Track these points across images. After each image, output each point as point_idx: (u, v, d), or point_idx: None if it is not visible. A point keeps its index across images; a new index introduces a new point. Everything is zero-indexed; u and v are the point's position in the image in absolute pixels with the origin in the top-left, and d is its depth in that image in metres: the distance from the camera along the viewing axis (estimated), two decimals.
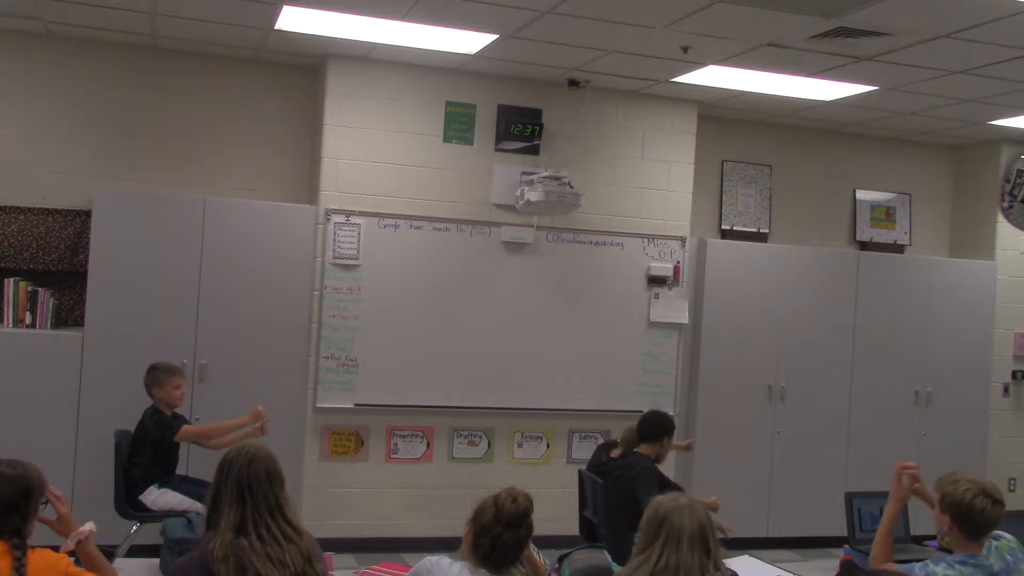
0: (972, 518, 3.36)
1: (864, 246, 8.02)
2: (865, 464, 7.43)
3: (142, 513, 5.22)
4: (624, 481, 5.03)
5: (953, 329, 7.75)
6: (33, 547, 2.94)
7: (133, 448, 5.31)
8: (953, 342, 7.75)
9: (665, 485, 5.15)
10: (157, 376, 5.36)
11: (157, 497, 5.24)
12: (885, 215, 8.18)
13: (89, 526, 3.15)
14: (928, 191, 8.32)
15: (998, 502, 3.39)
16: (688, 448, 6.09)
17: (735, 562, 3.96)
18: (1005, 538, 3.51)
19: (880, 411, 7.55)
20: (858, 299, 7.53)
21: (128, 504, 5.23)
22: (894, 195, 8.22)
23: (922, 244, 8.23)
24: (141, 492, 5.23)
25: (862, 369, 7.52)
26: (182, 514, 4.78)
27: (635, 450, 5.26)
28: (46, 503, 3.07)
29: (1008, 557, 3.44)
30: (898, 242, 8.14)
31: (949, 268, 7.87)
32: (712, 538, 2.90)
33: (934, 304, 7.72)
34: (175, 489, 5.30)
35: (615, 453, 5.52)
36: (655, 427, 5.25)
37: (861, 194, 8.12)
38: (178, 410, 5.46)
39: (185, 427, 5.31)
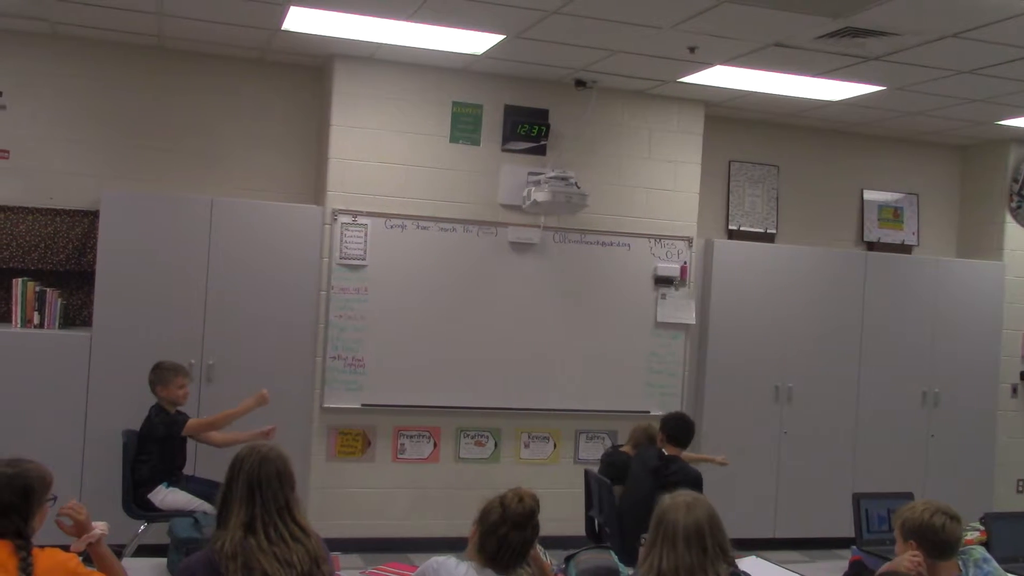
0: (935, 535, 3.44)
1: (871, 246, 8.00)
2: (872, 465, 7.42)
3: (150, 512, 5.22)
4: (677, 488, 5.05)
5: (961, 330, 7.73)
6: (42, 546, 2.94)
7: (140, 446, 5.32)
8: (961, 343, 7.73)
9: None
10: (162, 375, 5.38)
11: (165, 496, 5.24)
12: (893, 215, 8.16)
13: (101, 527, 3.15)
14: (936, 191, 8.30)
15: (954, 518, 3.49)
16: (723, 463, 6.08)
17: (742, 563, 3.95)
18: (970, 551, 3.64)
19: (887, 412, 7.53)
20: (865, 300, 7.51)
21: (136, 503, 5.24)
22: (902, 195, 8.20)
23: (930, 244, 8.22)
24: (150, 491, 5.24)
25: (869, 370, 7.50)
26: (190, 514, 4.79)
27: (677, 456, 5.26)
28: (54, 500, 3.07)
29: (980, 559, 3.58)
30: (906, 242, 8.13)
31: (957, 268, 7.85)
32: (713, 536, 2.90)
33: (942, 305, 7.71)
34: (183, 488, 5.31)
35: (625, 449, 5.55)
36: (690, 435, 5.32)
37: (868, 194, 8.11)
38: (183, 409, 5.48)
39: (191, 420, 5.33)
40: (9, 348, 5.81)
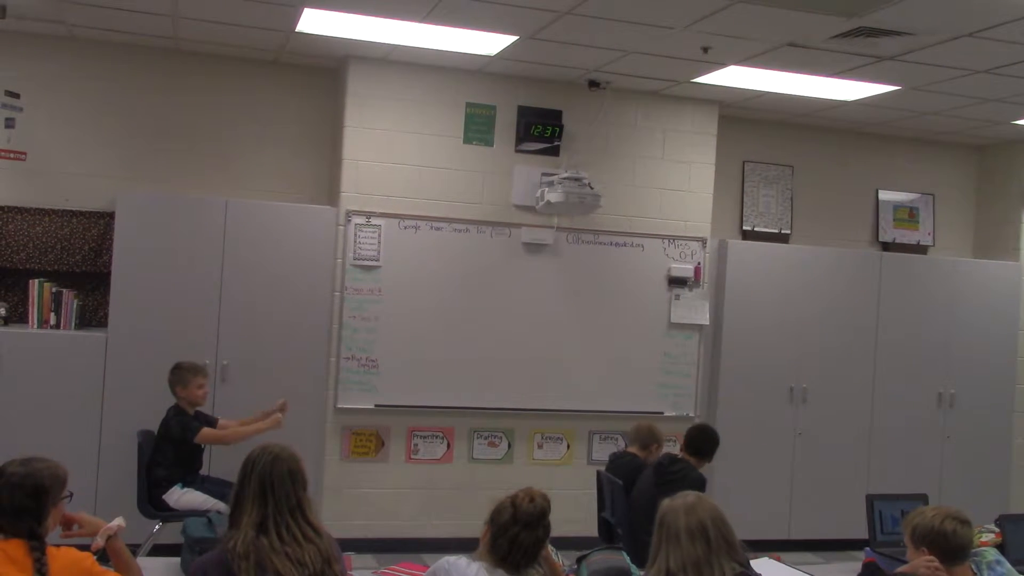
0: (946, 541, 3.42)
1: (887, 247, 7.97)
2: (887, 466, 7.39)
3: (165, 512, 5.25)
4: (677, 487, 5.04)
5: (977, 330, 7.69)
6: (58, 545, 2.96)
7: (156, 447, 5.35)
8: (977, 343, 7.69)
9: None
10: (181, 375, 5.40)
11: (180, 497, 5.27)
12: (908, 216, 8.12)
13: (118, 521, 3.17)
14: (951, 191, 8.26)
15: (965, 522, 3.47)
16: None
17: (755, 564, 3.94)
18: (982, 553, 3.64)
19: (902, 413, 7.50)
20: (881, 300, 7.48)
21: (151, 504, 5.27)
22: (917, 195, 8.16)
23: (945, 245, 8.18)
24: (165, 491, 5.27)
25: (884, 371, 7.47)
26: (204, 514, 4.81)
27: (687, 459, 5.24)
28: (70, 496, 3.08)
29: (993, 560, 3.59)
30: (921, 243, 8.09)
31: (973, 269, 7.81)
32: (716, 529, 2.90)
33: (957, 305, 7.67)
34: (198, 488, 5.33)
35: (631, 449, 5.55)
36: (708, 447, 5.24)
37: (884, 194, 8.08)
38: (202, 409, 5.50)
39: (204, 430, 5.33)
40: (26, 348, 5.85)
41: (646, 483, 5.16)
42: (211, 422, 5.55)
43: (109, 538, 3.12)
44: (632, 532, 5.05)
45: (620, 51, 5.92)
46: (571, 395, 6.80)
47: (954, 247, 8.22)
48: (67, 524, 3.13)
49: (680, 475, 5.04)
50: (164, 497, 5.26)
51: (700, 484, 4.95)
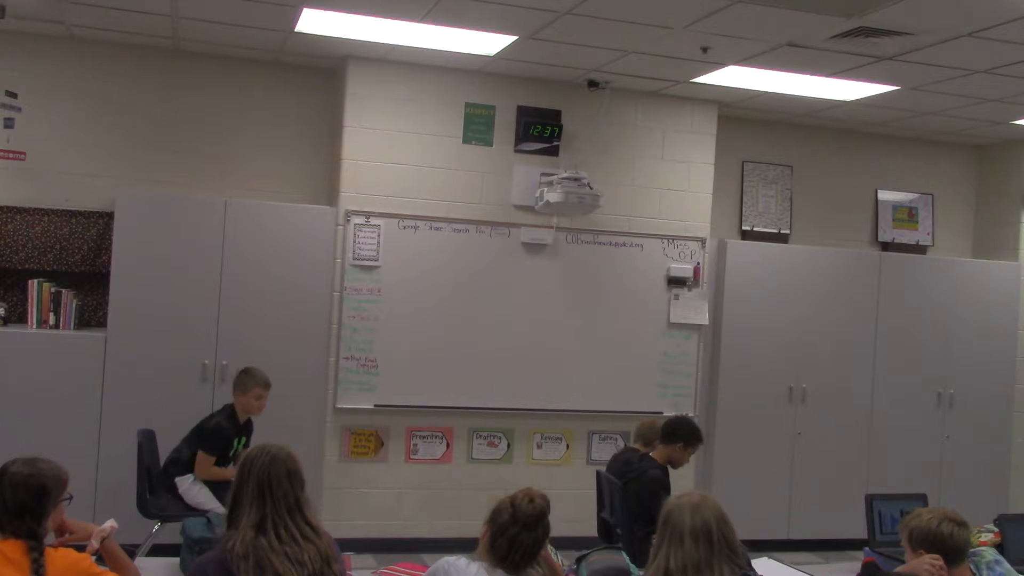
0: (944, 543, 3.43)
1: (886, 247, 7.97)
2: (886, 466, 7.39)
3: (162, 514, 5.22)
4: (634, 486, 5.09)
5: (976, 330, 7.69)
6: (56, 547, 2.95)
7: (194, 429, 5.35)
8: (976, 343, 7.69)
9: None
10: (245, 380, 5.40)
11: (189, 487, 5.24)
12: (907, 216, 8.12)
13: (110, 523, 3.17)
14: (951, 191, 8.26)
15: (962, 524, 3.47)
16: None
17: (754, 564, 3.94)
18: (981, 553, 3.64)
19: (902, 413, 7.50)
20: (880, 300, 7.48)
21: (163, 481, 5.27)
22: (916, 195, 8.16)
23: (945, 245, 8.18)
24: (180, 473, 5.26)
25: (884, 371, 7.47)
26: (203, 514, 4.81)
27: (650, 454, 5.29)
28: (70, 499, 3.08)
29: (992, 560, 3.60)
30: (920, 243, 8.09)
31: (972, 269, 7.81)
32: (720, 531, 2.90)
33: (957, 305, 7.67)
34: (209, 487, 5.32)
35: (634, 445, 5.57)
36: (670, 429, 5.27)
37: (883, 194, 8.08)
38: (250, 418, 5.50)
39: (203, 458, 5.26)
40: (25, 348, 5.85)
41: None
42: (237, 432, 5.46)
43: (103, 540, 3.12)
44: (631, 531, 5.07)
45: (619, 51, 5.92)
46: (570, 395, 6.80)
47: (953, 247, 8.22)
48: (61, 532, 3.12)
49: (636, 473, 5.17)
50: (177, 480, 5.24)
51: (656, 482, 5.02)
